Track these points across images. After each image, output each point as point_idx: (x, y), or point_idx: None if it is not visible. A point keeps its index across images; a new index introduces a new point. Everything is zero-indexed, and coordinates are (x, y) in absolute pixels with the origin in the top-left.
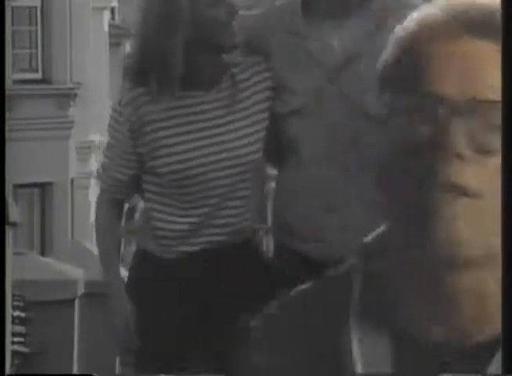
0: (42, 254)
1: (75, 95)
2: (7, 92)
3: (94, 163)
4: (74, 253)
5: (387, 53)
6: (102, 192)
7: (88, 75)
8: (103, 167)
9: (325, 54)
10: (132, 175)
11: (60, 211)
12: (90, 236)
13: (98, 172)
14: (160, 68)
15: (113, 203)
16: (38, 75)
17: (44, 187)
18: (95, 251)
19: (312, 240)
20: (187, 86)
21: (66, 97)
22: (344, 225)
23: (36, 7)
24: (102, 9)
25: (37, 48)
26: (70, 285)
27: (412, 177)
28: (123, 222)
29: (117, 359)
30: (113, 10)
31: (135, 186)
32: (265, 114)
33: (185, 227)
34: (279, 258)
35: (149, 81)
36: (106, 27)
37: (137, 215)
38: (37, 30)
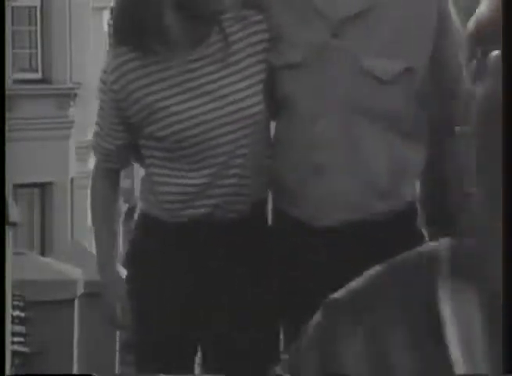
0: (42, 254)
1: (75, 95)
2: (7, 92)
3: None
4: (74, 253)
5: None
6: (97, 161)
7: (88, 75)
8: (95, 136)
9: (330, 5)
10: (121, 145)
11: (60, 211)
12: (90, 236)
13: (92, 142)
14: (143, 30)
15: (107, 172)
16: (38, 75)
17: (44, 187)
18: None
19: (303, 204)
20: (174, 46)
21: (66, 97)
22: (331, 190)
23: (36, 7)
24: (102, 9)
25: (37, 48)
26: (70, 285)
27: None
28: (119, 198)
29: (117, 359)
30: (113, 10)
31: (127, 155)
32: (262, 66)
33: (192, 189)
34: (276, 224)
35: (133, 45)
36: (106, 27)
37: (138, 185)
38: (37, 30)
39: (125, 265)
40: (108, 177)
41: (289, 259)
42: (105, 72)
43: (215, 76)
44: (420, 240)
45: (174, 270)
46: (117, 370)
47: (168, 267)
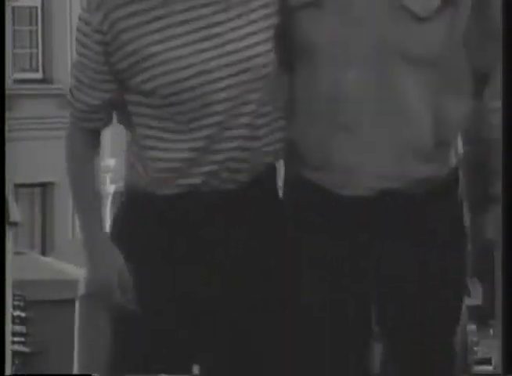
0: (43, 253)
1: None
2: (7, 92)
3: None
4: (75, 253)
5: None
6: (73, 120)
7: None
8: (73, 90)
9: None
10: (108, 99)
11: (61, 210)
12: None
13: (68, 97)
14: None
15: (88, 132)
16: (39, 75)
17: (44, 187)
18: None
19: (324, 167)
20: None
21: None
22: (360, 150)
23: (36, 7)
24: None
25: (37, 47)
26: (70, 285)
27: None
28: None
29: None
30: None
31: (111, 111)
32: (275, 7)
33: (185, 155)
34: (289, 189)
35: None
36: None
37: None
38: (37, 30)
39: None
40: (89, 139)
41: (307, 240)
42: (87, 11)
43: (222, 17)
44: (460, 214)
45: (163, 253)
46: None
47: (156, 249)
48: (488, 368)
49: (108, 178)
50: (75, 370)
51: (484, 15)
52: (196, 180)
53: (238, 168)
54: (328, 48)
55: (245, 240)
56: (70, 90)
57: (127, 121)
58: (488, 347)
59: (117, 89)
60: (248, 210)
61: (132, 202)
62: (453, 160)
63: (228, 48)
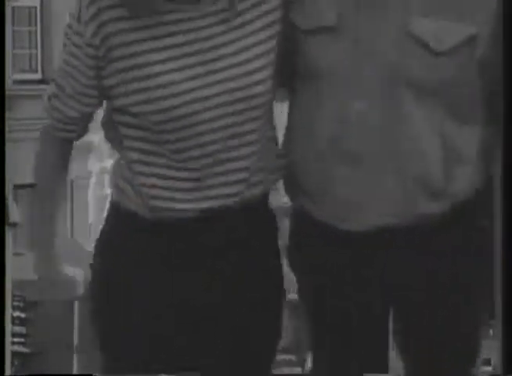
0: None
1: None
2: (7, 92)
3: (94, 163)
4: (74, 253)
5: None
6: (48, 128)
7: None
8: (51, 97)
9: None
10: (87, 113)
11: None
12: (90, 236)
13: (45, 103)
14: None
15: (61, 141)
16: (38, 75)
17: None
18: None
19: (323, 198)
20: None
21: None
22: (367, 186)
23: (36, 7)
24: None
25: (37, 48)
26: (70, 285)
27: None
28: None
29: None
30: None
31: (88, 124)
32: (277, 27)
33: (182, 185)
34: (291, 226)
35: None
36: None
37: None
38: (37, 31)
39: (93, 258)
40: (61, 148)
41: (304, 274)
42: (77, 20)
43: (221, 40)
44: (483, 241)
45: (162, 259)
46: None
47: (154, 255)
48: (488, 369)
49: (106, 179)
50: (75, 370)
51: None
52: (187, 215)
53: (233, 201)
54: (336, 75)
55: (244, 246)
56: (49, 96)
57: (115, 142)
58: (488, 348)
59: (98, 105)
60: (245, 221)
61: (119, 220)
62: (466, 192)
63: (226, 74)
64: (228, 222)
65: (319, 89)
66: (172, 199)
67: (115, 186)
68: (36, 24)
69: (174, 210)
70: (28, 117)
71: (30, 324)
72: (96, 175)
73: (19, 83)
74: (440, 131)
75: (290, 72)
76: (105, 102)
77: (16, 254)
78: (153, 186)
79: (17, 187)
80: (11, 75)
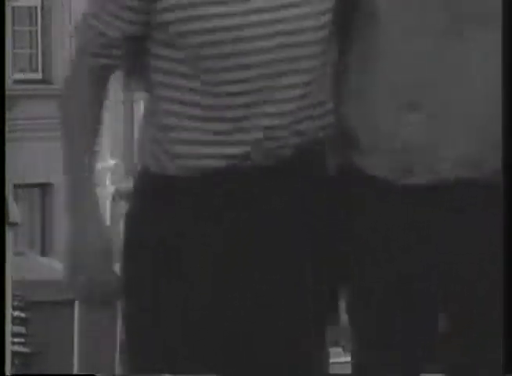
0: (42, 254)
1: None
2: (7, 92)
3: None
4: None
5: None
6: (81, 53)
7: None
8: (86, 17)
9: None
10: (130, 35)
11: (60, 211)
12: None
13: (78, 25)
14: None
15: (95, 71)
16: (38, 75)
17: (44, 187)
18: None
19: (379, 150)
20: None
21: None
22: (427, 137)
23: (36, 7)
24: None
25: (37, 48)
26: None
27: None
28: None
29: (117, 359)
30: None
31: (131, 55)
32: None
33: (218, 127)
34: (340, 177)
35: None
36: None
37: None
38: (37, 31)
39: (129, 231)
40: (96, 79)
41: (351, 230)
42: None
43: None
44: None
45: (187, 246)
46: (116, 370)
47: (179, 241)
48: None
49: (108, 178)
50: (75, 370)
51: None
52: (225, 161)
53: (276, 145)
54: (396, 15)
55: (288, 219)
56: (84, 17)
57: (145, 80)
58: None
59: (143, 26)
60: (290, 188)
61: (149, 189)
62: None
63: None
64: (267, 172)
65: (375, 30)
66: (204, 143)
67: (141, 147)
68: (36, 24)
69: (207, 158)
70: (28, 117)
71: (30, 324)
72: (97, 174)
73: (19, 83)
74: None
75: (348, 10)
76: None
77: (16, 253)
78: (183, 129)
79: (17, 187)
80: (11, 75)
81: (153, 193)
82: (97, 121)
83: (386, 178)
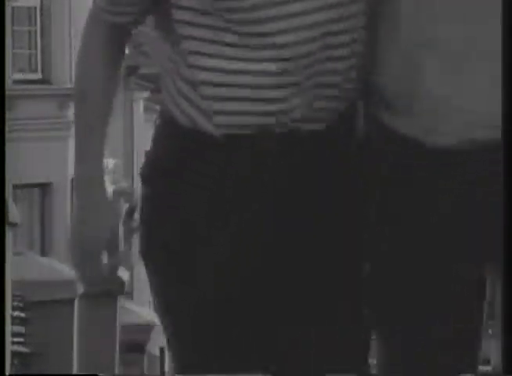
0: (42, 254)
1: None
2: (7, 92)
3: None
4: None
5: None
6: (95, 14)
7: None
8: None
9: None
10: None
11: (60, 211)
12: None
13: None
14: None
15: (113, 27)
16: (38, 75)
17: (43, 187)
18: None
19: (411, 114)
20: None
21: (66, 97)
22: (464, 87)
23: (36, 7)
24: None
25: (36, 48)
26: (69, 285)
27: None
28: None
29: (117, 359)
30: None
31: (147, 10)
32: None
33: (258, 81)
34: (370, 139)
35: None
36: None
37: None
38: (36, 31)
39: (149, 188)
40: (115, 34)
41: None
42: None
43: None
44: None
45: (222, 213)
46: (117, 370)
47: (213, 208)
48: (487, 368)
49: (107, 178)
50: (75, 371)
51: None
52: (268, 119)
53: (324, 105)
54: None
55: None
56: None
57: (169, 31)
58: (487, 347)
59: None
60: (325, 155)
61: (182, 130)
62: None
63: None
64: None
65: None
66: (241, 100)
67: (170, 105)
68: (36, 24)
69: (245, 115)
70: (28, 117)
71: (29, 324)
72: None
73: (19, 83)
74: None
75: None
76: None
77: (15, 253)
78: (213, 85)
79: (16, 187)
80: (11, 75)
81: (181, 145)
82: (113, 81)
83: (413, 137)
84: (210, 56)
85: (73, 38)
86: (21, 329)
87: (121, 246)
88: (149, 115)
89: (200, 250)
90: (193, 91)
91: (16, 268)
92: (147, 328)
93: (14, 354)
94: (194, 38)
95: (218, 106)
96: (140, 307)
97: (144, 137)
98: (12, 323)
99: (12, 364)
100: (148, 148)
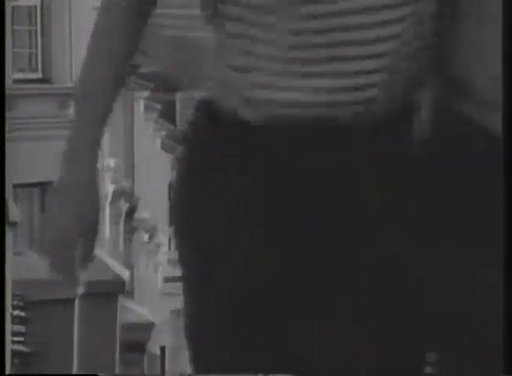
0: None
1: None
2: (7, 92)
3: None
4: None
5: None
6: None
7: None
8: None
9: None
10: None
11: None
12: None
13: None
14: None
15: (133, 11)
16: (38, 75)
17: (44, 187)
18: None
19: (492, 102)
20: None
21: (67, 96)
22: None
23: (36, 7)
24: None
25: (37, 47)
26: (69, 285)
27: None
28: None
29: (117, 359)
30: None
31: None
32: None
33: (303, 69)
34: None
35: None
36: None
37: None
38: (37, 30)
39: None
40: (135, 23)
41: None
42: None
43: None
44: None
45: (252, 203)
46: (117, 370)
47: (244, 198)
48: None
49: (108, 178)
50: (75, 370)
51: None
52: (312, 109)
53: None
54: None
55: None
56: None
57: (219, 27)
58: None
59: None
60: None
61: (224, 114)
62: None
63: None
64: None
65: None
66: (278, 89)
67: (213, 91)
68: (36, 24)
69: (285, 106)
70: (28, 117)
71: (30, 323)
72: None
73: (19, 82)
74: None
75: None
76: None
77: (15, 253)
78: (256, 70)
79: (16, 186)
80: (11, 74)
81: (222, 133)
82: (129, 48)
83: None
84: (261, 41)
85: (74, 38)
86: (21, 328)
87: (121, 245)
88: (150, 114)
89: (224, 247)
90: (238, 77)
91: (16, 267)
92: (147, 327)
93: (14, 353)
94: (243, 20)
95: (262, 94)
96: (140, 306)
97: (144, 136)
98: (13, 322)
99: (12, 364)
100: (148, 147)
